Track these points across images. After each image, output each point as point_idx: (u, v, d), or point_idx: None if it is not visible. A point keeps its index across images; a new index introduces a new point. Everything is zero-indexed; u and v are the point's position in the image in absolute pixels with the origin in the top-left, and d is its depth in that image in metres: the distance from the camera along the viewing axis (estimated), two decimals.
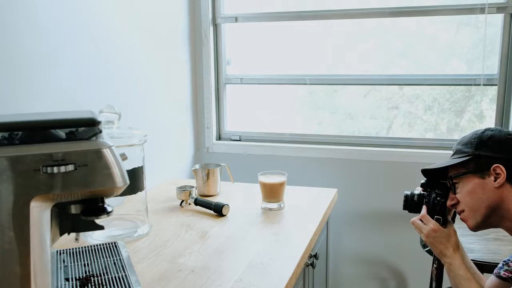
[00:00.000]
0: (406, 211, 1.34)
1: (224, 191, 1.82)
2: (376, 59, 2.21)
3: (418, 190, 1.30)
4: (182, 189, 1.65)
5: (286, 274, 1.11)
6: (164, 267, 1.16)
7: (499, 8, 1.94)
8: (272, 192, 1.61)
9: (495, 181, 1.14)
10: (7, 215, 0.71)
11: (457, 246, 1.22)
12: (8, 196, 0.71)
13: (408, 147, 2.12)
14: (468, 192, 1.18)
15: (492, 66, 2.01)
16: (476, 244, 1.64)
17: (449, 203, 1.25)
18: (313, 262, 1.44)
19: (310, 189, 1.85)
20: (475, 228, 1.19)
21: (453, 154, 1.25)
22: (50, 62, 1.40)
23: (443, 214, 1.24)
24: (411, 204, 1.29)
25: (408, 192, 1.31)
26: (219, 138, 2.42)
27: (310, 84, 2.27)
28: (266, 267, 1.15)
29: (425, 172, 1.30)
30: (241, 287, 1.05)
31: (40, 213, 0.74)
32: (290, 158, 2.24)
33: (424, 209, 1.27)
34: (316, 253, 1.48)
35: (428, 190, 1.28)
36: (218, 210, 1.54)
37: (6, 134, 0.73)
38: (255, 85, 2.37)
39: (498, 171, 1.14)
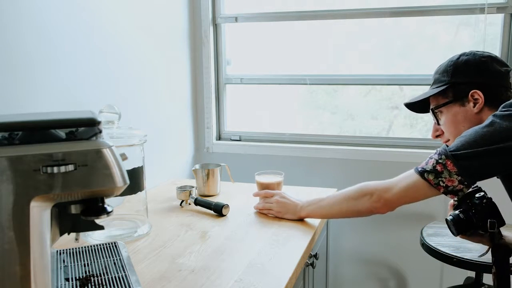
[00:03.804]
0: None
1: (224, 191, 1.82)
2: (377, 59, 2.21)
3: (456, 211, 1.18)
4: (182, 189, 1.65)
5: (286, 274, 1.11)
6: (164, 267, 1.16)
7: (499, 8, 1.94)
8: None
9: (474, 107, 1.15)
10: (7, 215, 0.71)
11: (303, 207, 1.41)
12: (8, 196, 0.71)
13: (408, 147, 2.12)
14: (451, 121, 1.20)
15: None
16: (475, 243, 1.64)
17: (433, 134, 1.27)
18: (313, 262, 1.44)
19: (310, 189, 1.85)
20: None
21: (432, 84, 1.27)
22: (50, 62, 1.40)
23: (496, 212, 1.13)
24: (464, 225, 1.16)
25: (450, 217, 1.18)
26: (219, 138, 2.42)
27: (310, 84, 2.27)
28: (266, 267, 1.15)
29: (408, 106, 1.32)
30: (241, 287, 1.05)
31: (40, 213, 0.74)
32: (290, 158, 2.24)
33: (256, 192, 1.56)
34: (316, 253, 1.47)
35: (468, 200, 1.15)
36: (218, 210, 1.54)
37: (6, 134, 0.73)
38: (255, 85, 2.37)
39: (476, 96, 1.15)
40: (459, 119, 1.19)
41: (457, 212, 1.17)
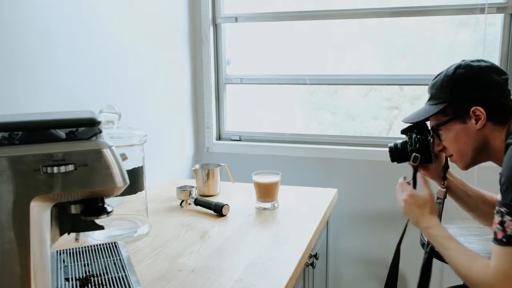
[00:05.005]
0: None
1: (224, 191, 1.82)
2: (376, 59, 2.21)
3: (400, 140, 1.34)
4: (182, 189, 1.65)
5: (286, 274, 1.11)
6: (164, 267, 1.16)
7: (499, 8, 1.94)
8: (266, 192, 1.60)
9: (476, 123, 1.13)
10: (7, 215, 0.71)
11: (433, 211, 1.23)
12: (8, 196, 0.71)
13: None
14: (453, 139, 1.18)
15: None
16: (475, 244, 1.64)
17: (436, 149, 1.26)
18: (313, 262, 1.44)
19: (310, 189, 1.85)
20: (466, 168, 1.22)
21: (428, 99, 1.24)
22: (51, 62, 1.40)
23: (425, 151, 1.27)
24: (397, 153, 1.33)
25: (392, 144, 1.35)
26: (219, 138, 2.42)
27: (310, 84, 2.27)
28: (266, 267, 1.15)
29: (406, 127, 1.32)
30: (241, 287, 1.05)
31: (40, 213, 0.74)
32: (290, 158, 2.24)
33: (401, 179, 1.34)
34: (316, 253, 1.48)
35: (409, 133, 1.31)
36: (218, 210, 1.54)
37: (6, 134, 0.73)
38: (255, 85, 2.37)
39: (478, 113, 1.12)
40: (461, 136, 1.16)
41: (398, 142, 1.33)
